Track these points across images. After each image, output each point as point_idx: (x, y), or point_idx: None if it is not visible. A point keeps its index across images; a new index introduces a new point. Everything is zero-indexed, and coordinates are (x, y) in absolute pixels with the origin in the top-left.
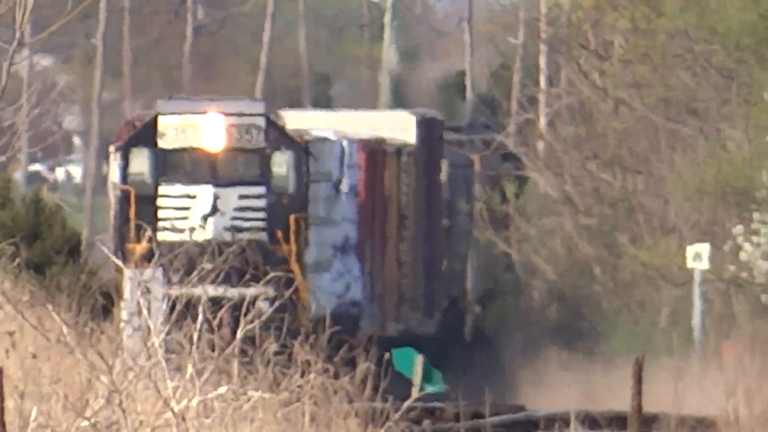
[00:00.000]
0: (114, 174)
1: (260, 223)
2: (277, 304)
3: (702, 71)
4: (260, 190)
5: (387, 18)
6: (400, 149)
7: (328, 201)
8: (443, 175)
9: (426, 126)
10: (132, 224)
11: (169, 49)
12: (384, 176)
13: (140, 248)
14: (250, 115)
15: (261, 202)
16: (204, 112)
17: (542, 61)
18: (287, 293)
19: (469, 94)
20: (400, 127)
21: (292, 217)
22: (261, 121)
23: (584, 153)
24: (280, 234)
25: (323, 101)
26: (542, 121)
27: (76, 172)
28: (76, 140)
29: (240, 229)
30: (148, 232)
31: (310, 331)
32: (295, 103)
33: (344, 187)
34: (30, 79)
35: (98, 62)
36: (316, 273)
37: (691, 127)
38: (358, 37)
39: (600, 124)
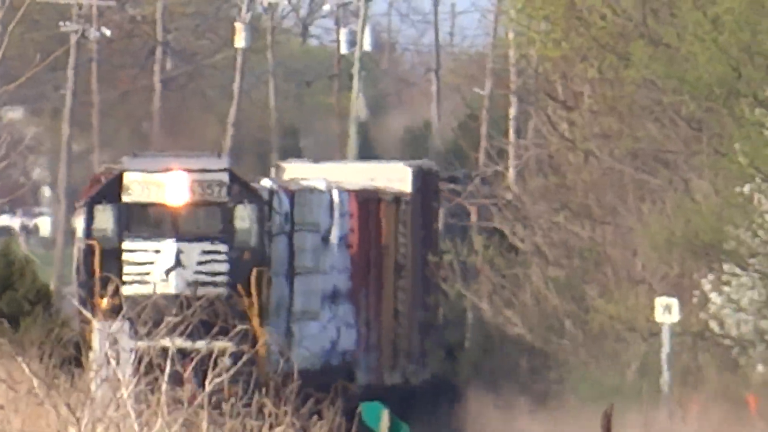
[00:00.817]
0: (79, 229)
1: (222, 278)
2: (245, 357)
3: (670, 122)
4: (222, 246)
5: (355, 68)
6: (397, 198)
7: (315, 251)
8: (440, 225)
9: (422, 176)
10: (97, 278)
11: (137, 101)
12: (379, 225)
13: (106, 302)
14: (214, 171)
15: (223, 257)
16: (168, 169)
17: (511, 112)
18: (256, 347)
19: (436, 143)
20: (397, 177)
21: (254, 271)
22: (224, 177)
23: (553, 204)
24: (241, 288)
25: (292, 153)
26: (511, 173)
27: (45, 224)
28: (45, 192)
29: (202, 283)
30: (114, 286)
31: (278, 384)
32: (264, 156)
33: (334, 236)
34: None
35: (66, 114)
36: (302, 322)
37: (660, 178)
38: (326, 89)
39: (568, 176)
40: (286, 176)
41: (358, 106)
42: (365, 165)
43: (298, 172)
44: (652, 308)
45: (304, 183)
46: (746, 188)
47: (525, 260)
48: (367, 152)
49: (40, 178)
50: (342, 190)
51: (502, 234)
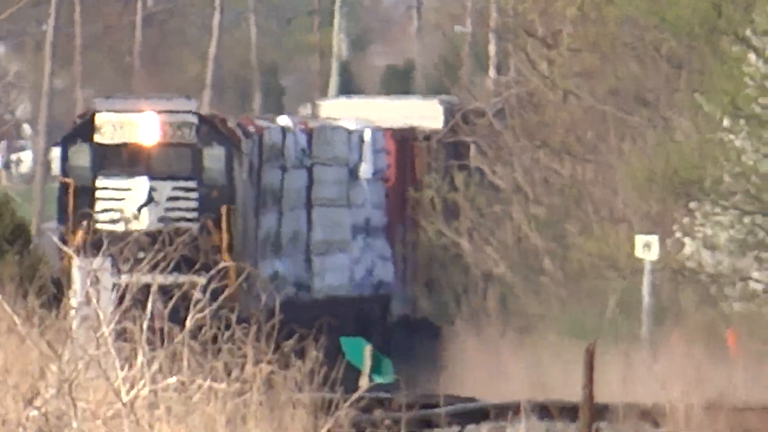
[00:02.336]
0: (55, 167)
1: (192, 214)
2: (226, 293)
3: (651, 61)
4: (192, 183)
5: (337, 5)
6: (429, 136)
7: (339, 184)
8: (472, 160)
9: (453, 112)
10: (71, 215)
11: (119, 37)
12: (414, 162)
13: (79, 237)
14: (184, 112)
15: (193, 195)
16: (140, 110)
17: (491, 50)
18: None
19: (417, 82)
20: (429, 114)
21: (224, 208)
22: (193, 119)
23: (533, 142)
24: (211, 224)
25: (273, 91)
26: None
27: (26, 159)
28: (27, 128)
29: (173, 219)
30: (88, 222)
31: (260, 320)
32: (245, 93)
33: (365, 172)
34: None
35: (48, 50)
36: (324, 253)
37: (640, 117)
38: (307, 26)
39: (549, 114)
40: (322, 113)
41: (338, 44)
42: (399, 101)
43: (333, 109)
44: (633, 246)
45: (331, 120)
46: (725, 125)
47: (506, 198)
48: (348, 90)
49: (23, 114)
50: (375, 128)
51: (483, 172)
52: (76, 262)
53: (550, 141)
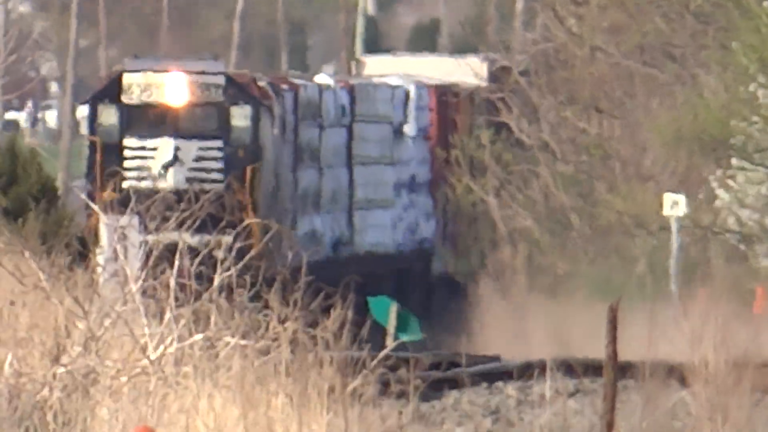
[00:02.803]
0: (83, 126)
1: (218, 174)
2: (253, 252)
3: (678, 17)
4: (218, 143)
5: None
6: (472, 94)
7: (382, 142)
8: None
9: (496, 70)
10: (98, 173)
11: None
12: (457, 120)
13: (108, 194)
14: (211, 73)
15: (218, 154)
16: (167, 71)
17: (518, 7)
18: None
19: (444, 40)
20: (473, 71)
21: (248, 168)
22: (220, 79)
23: (560, 99)
24: (236, 183)
25: (299, 49)
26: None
27: (52, 116)
28: (53, 86)
29: (199, 179)
30: (115, 180)
31: (286, 279)
32: (272, 52)
33: (410, 129)
34: (6, 26)
35: (74, 9)
36: (366, 210)
37: (668, 73)
38: None
39: (576, 71)
40: (366, 70)
41: (365, 2)
42: (444, 59)
43: (378, 66)
44: (660, 203)
45: (376, 78)
46: (752, 85)
47: (532, 156)
48: (375, 48)
49: (49, 72)
50: (420, 85)
51: (510, 129)
52: (103, 219)
53: (577, 98)
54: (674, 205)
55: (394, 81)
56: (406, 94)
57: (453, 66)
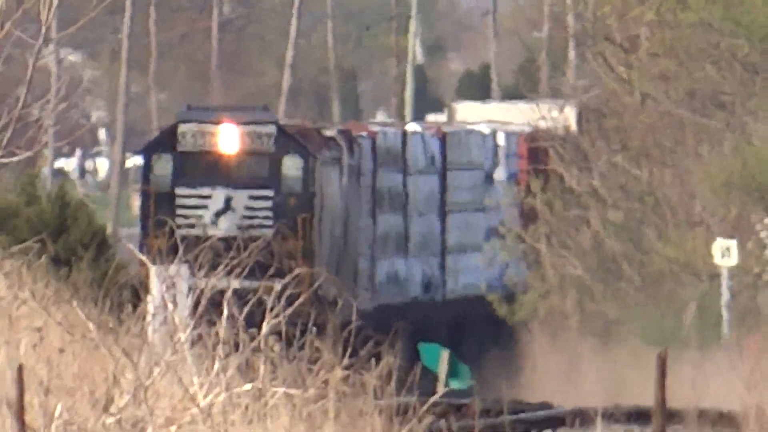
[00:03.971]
0: (136, 175)
1: (268, 221)
2: (301, 299)
3: (727, 65)
4: (269, 192)
5: (413, 10)
6: (564, 138)
7: (474, 189)
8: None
9: (585, 116)
10: (152, 222)
11: (195, 44)
12: (546, 165)
13: (160, 243)
14: (263, 123)
15: (269, 203)
16: (220, 121)
17: (570, 55)
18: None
19: (494, 86)
20: (563, 116)
21: (300, 217)
22: (272, 129)
23: (611, 146)
24: (287, 231)
25: (350, 96)
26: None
27: (103, 165)
28: (102, 133)
29: (250, 227)
30: (167, 228)
31: (336, 326)
32: (321, 99)
33: (500, 175)
34: (57, 74)
35: (124, 57)
36: (458, 254)
37: (718, 121)
38: (385, 31)
39: (626, 118)
40: (458, 116)
41: (414, 48)
42: (533, 105)
43: (468, 112)
44: (710, 250)
45: (464, 125)
46: None
47: (583, 202)
48: (424, 96)
49: (98, 119)
50: (509, 132)
51: (560, 176)
52: (152, 268)
53: (627, 145)
54: (725, 253)
55: (484, 128)
56: (496, 141)
57: (543, 111)
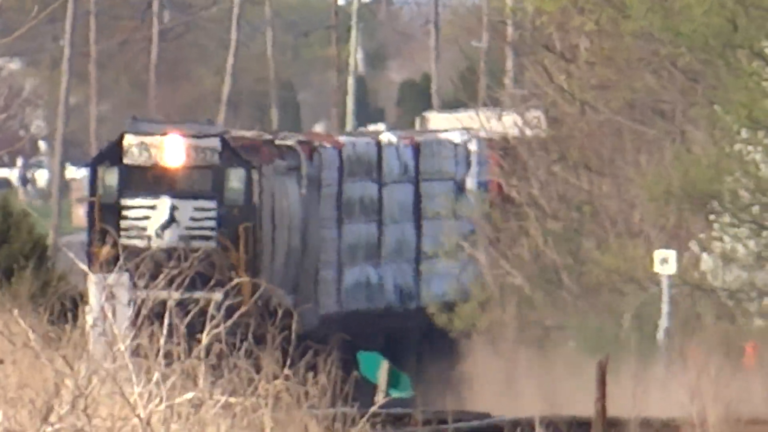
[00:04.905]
0: (84, 186)
1: (212, 233)
2: (243, 309)
3: (667, 74)
4: (213, 203)
5: (354, 20)
6: (531, 144)
7: (447, 197)
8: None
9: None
10: (97, 232)
11: (135, 52)
12: (514, 171)
13: (105, 253)
14: (208, 136)
15: (213, 214)
16: (165, 134)
17: (509, 64)
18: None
19: (434, 96)
20: (533, 124)
21: (241, 227)
22: (216, 142)
23: (550, 156)
24: (228, 242)
25: (289, 106)
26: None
27: (42, 175)
28: (42, 144)
29: (194, 237)
30: (113, 238)
31: (275, 336)
32: (262, 108)
33: (471, 183)
34: None
35: (65, 66)
36: (433, 261)
37: (657, 129)
38: (324, 41)
39: (565, 128)
40: (431, 125)
41: (355, 58)
42: (506, 113)
43: (440, 121)
44: (650, 260)
45: (438, 134)
46: (743, 137)
47: (522, 213)
48: (365, 106)
49: (39, 129)
50: (480, 139)
51: (499, 186)
52: (92, 278)
53: (566, 155)
54: (664, 262)
55: (455, 137)
56: (467, 150)
57: (513, 118)
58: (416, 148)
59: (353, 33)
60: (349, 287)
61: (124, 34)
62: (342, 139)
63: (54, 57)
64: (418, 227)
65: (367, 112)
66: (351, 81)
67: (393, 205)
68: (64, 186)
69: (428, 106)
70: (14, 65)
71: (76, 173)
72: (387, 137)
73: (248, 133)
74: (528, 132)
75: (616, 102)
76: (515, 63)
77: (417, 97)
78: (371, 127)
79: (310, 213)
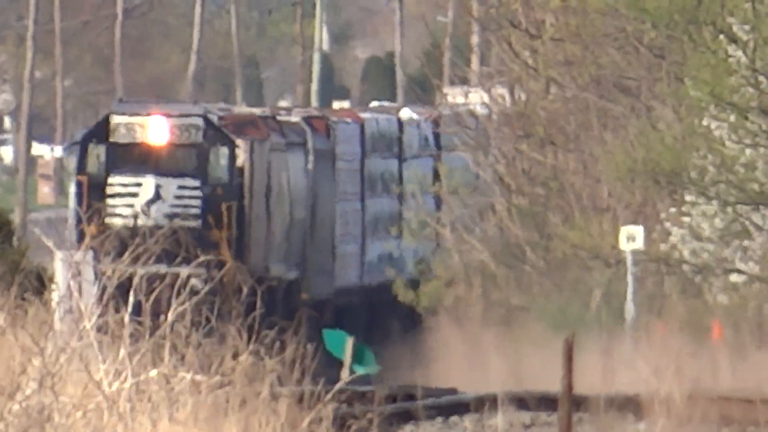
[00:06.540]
0: (72, 165)
1: (196, 210)
2: (213, 281)
3: (633, 50)
4: (197, 182)
5: None
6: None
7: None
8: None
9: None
10: (85, 210)
11: (100, 29)
12: None
13: (93, 230)
14: (191, 115)
15: (197, 192)
16: (150, 113)
17: (474, 40)
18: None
19: (399, 73)
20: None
21: (224, 205)
22: (200, 121)
23: (516, 132)
24: (211, 220)
25: (254, 83)
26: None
27: (7, 152)
28: (6, 120)
29: (178, 215)
30: (99, 216)
31: (240, 312)
32: (227, 85)
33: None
34: None
35: (29, 42)
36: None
37: (623, 106)
38: (289, 18)
39: (531, 104)
40: (450, 99)
41: (320, 35)
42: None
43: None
44: (617, 236)
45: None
46: (705, 118)
47: (488, 189)
48: (330, 82)
49: (3, 106)
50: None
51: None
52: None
53: (532, 131)
54: (630, 238)
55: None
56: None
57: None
58: (436, 123)
59: (318, 10)
60: (372, 260)
61: (89, 12)
62: (364, 115)
63: (20, 34)
64: (439, 201)
65: (332, 89)
66: (316, 58)
67: (413, 179)
68: (30, 162)
69: (393, 83)
70: None
71: (42, 150)
72: (408, 113)
73: (253, 110)
74: (494, 108)
75: (582, 78)
76: (481, 39)
77: (382, 74)
78: (336, 105)
79: (320, 187)
